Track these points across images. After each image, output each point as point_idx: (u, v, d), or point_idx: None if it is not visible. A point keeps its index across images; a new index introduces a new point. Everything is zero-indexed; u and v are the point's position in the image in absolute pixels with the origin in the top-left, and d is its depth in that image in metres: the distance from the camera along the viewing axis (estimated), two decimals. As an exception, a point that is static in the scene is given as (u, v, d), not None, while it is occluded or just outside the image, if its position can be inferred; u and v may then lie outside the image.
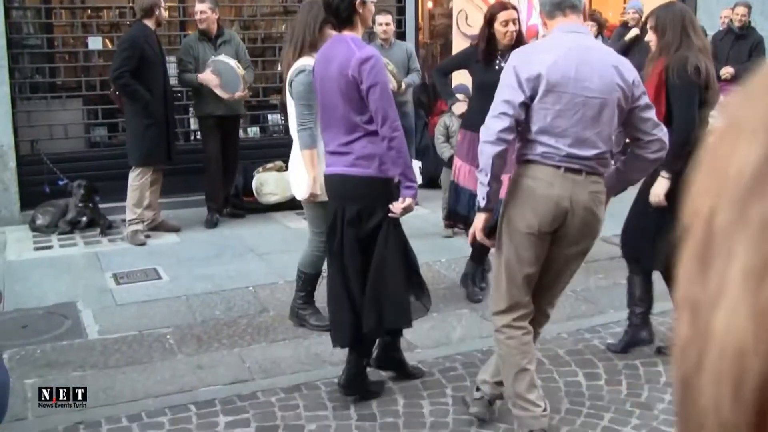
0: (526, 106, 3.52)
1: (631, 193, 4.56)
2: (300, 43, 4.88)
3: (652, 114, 3.70)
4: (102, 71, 8.70)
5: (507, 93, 3.54)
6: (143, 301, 5.84)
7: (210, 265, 6.69)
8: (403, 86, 8.05)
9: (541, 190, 3.59)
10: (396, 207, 4.05)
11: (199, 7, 7.64)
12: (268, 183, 8.27)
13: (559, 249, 3.72)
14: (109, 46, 8.91)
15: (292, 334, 5.19)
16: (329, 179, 4.26)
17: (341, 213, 4.14)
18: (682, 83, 4.47)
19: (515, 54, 3.68)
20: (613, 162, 3.87)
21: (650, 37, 4.68)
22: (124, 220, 7.50)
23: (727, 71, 9.60)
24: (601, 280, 6.25)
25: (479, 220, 3.68)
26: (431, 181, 9.21)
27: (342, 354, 4.78)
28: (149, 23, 7.20)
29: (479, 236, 3.70)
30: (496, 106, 3.56)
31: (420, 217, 7.86)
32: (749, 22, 9.82)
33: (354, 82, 3.95)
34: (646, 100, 3.69)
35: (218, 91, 7.43)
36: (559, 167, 3.57)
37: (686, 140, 4.44)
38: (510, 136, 3.53)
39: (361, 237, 4.12)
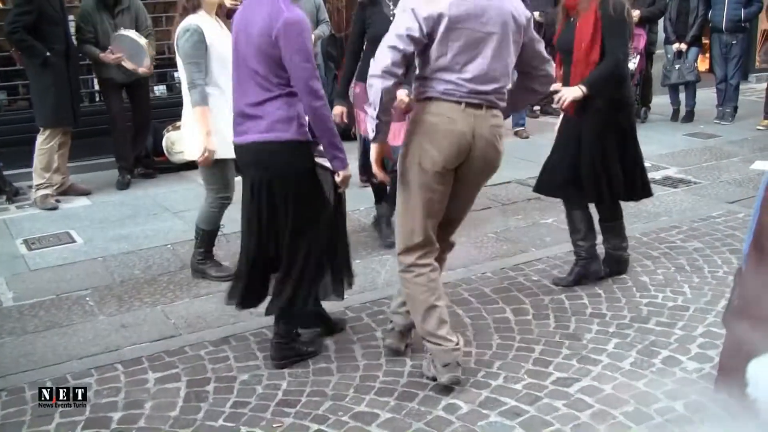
0: (422, 43, 3.54)
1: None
2: (184, 3, 4.86)
3: (542, 48, 3.82)
4: (-2, 32, 8.32)
5: (400, 27, 3.54)
6: (58, 265, 5.68)
7: (125, 225, 6.53)
8: (312, 38, 7.96)
9: (444, 126, 3.62)
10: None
11: None
12: (178, 141, 8.10)
13: (462, 184, 3.79)
14: (2, 5, 8.54)
15: (215, 288, 5.11)
16: (242, 148, 3.95)
17: (258, 182, 3.89)
18: (621, 21, 4.62)
19: None
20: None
21: None
22: (31, 186, 7.25)
23: (635, 13, 9.78)
24: (520, 220, 6.36)
25: (373, 151, 3.74)
26: (344, 133, 9.16)
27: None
28: None
29: (375, 169, 3.77)
30: (387, 38, 3.57)
31: (336, 169, 7.82)
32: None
33: (277, 44, 3.67)
34: (536, 35, 3.80)
35: (126, 64, 7.25)
36: (460, 103, 3.62)
37: (614, 70, 4.56)
38: (399, 71, 3.52)
39: (281, 205, 3.88)
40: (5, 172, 7.54)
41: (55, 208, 7.01)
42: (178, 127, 8.17)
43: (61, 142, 7.20)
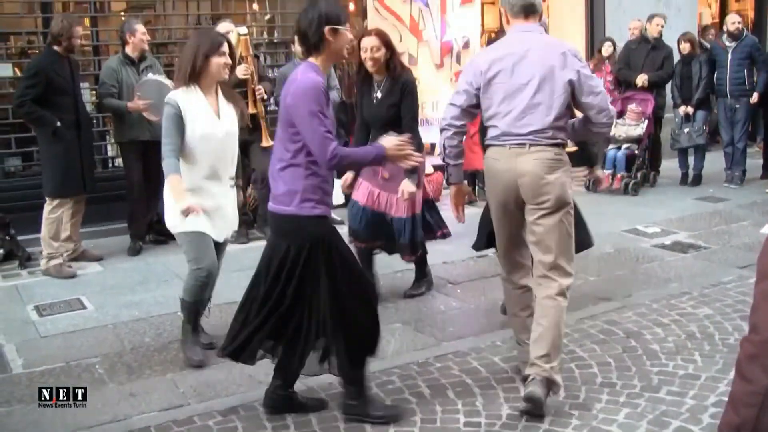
0: (476, 96, 4.31)
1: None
2: (184, 74, 4.73)
3: (595, 101, 4.25)
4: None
5: (460, 84, 4.41)
6: (69, 331, 5.69)
7: (136, 292, 6.56)
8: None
9: (494, 166, 4.34)
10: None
11: (140, 28, 7.61)
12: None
13: (528, 214, 4.30)
14: (19, 73, 8.69)
15: (224, 356, 5.11)
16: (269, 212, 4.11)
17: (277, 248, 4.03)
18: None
19: (475, 55, 4.31)
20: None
21: None
22: (42, 252, 7.29)
23: (642, 78, 9.93)
24: (529, 287, 6.34)
25: (451, 192, 4.62)
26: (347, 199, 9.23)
27: (272, 367, 4.72)
28: (58, 49, 7.02)
29: (453, 209, 4.63)
30: (452, 96, 4.43)
31: (343, 234, 7.84)
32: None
33: (289, 110, 3.82)
34: (594, 88, 4.26)
35: (148, 116, 7.30)
36: (504, 145, 4.27)
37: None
38: (458, 122, 4.36)
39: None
40: (19, 237, 7.60)
41: (73, 276, 7.03)
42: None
43: (73, 210, 7.26)
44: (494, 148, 4.32)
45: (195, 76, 4.71)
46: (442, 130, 4.40)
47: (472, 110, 4.37)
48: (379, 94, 5.64)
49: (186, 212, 4.60)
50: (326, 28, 3.83)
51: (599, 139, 5.02)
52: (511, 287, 4.58)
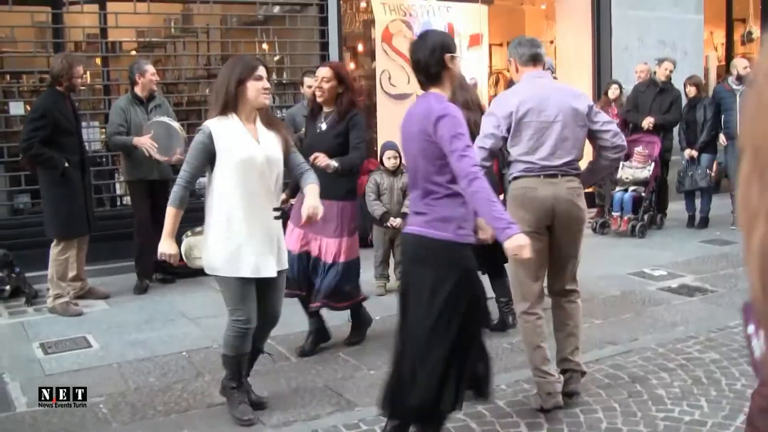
0: (504, 138, 4.66)
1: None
2: (219, 102, 4.50)
3: (607, 127, 4.81)
4: (24, 137, 8.52)
5: (487, 127, 4.68)
6: (73, 370, 5.68)
7: (141, 331, 6.56)
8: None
9: (529, 194, 4.67)
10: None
11: (150, 68, 7.71)
12: (197, 247, 8.15)
13: (558, 239, 4.73)
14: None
15: (229, 397, 5.09)
16: (404, 238, 4.11)
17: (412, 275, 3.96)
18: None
19: (495, 99, 4.99)
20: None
21: None
22: (49, 289, 7.30)
23: (648, 121, 9.97)
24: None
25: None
26: (360, 240, 9.22)
27: (281, 415, 4.72)
28: (60, 89, 7.02)
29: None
30: (479, 139, 4.63)
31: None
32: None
33: (433, 141, 3.79)
34: (602, 118, 4.85)
35: (154, 154, 7.36)
36: (539, 176, 4.66)
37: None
38: (487, 163, 4.63)
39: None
40: (27, 274, 7.61)
41: (79, 315, 7.03)
42: (197, 233, 8.28)
43: (77, 250, 7.28)
44: (527, 179, 4.68)
45: (230, 103, 4.47)
46: None
47: (497, 151, 4.83)
48: (323, 126, 5.63)
49: (161, 256, 4.56)
50: (447, 56, 3.91)
51: (615, 165, 5.43)
52: (534, 318, 4.78)
